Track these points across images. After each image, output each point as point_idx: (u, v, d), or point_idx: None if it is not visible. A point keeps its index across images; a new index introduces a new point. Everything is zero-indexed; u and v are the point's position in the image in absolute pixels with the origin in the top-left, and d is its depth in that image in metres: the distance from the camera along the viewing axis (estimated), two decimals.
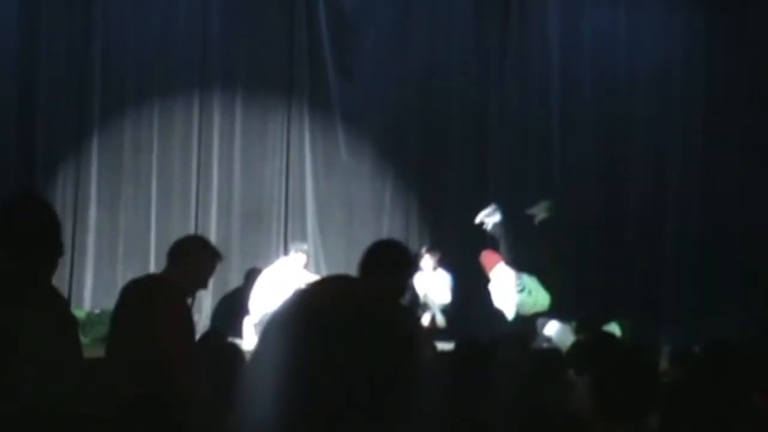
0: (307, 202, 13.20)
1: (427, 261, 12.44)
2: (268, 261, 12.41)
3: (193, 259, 5.95)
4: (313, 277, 11.64)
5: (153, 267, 12.48)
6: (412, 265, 5.10)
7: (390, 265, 4.97)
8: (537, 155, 13.68)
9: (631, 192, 13.87)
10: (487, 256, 12.03)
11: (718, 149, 13.90)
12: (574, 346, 7.10)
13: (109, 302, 11.06)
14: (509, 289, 11.71)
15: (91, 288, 12.32)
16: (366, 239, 12.71)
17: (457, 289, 12.31)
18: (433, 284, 12.37)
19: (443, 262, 12.50)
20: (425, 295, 12.32)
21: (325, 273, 12.29)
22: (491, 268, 11.91)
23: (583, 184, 13.72)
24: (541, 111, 13.74)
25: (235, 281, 12.68)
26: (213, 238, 12.51)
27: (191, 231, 12.42)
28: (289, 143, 13.24)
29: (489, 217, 12.01)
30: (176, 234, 12.42)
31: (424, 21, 13.54)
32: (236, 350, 6.25)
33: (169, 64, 12.93)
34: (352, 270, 12.02)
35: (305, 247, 12.33)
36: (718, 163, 13.89)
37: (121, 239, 12.72)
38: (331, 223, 13.25)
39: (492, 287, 11.80)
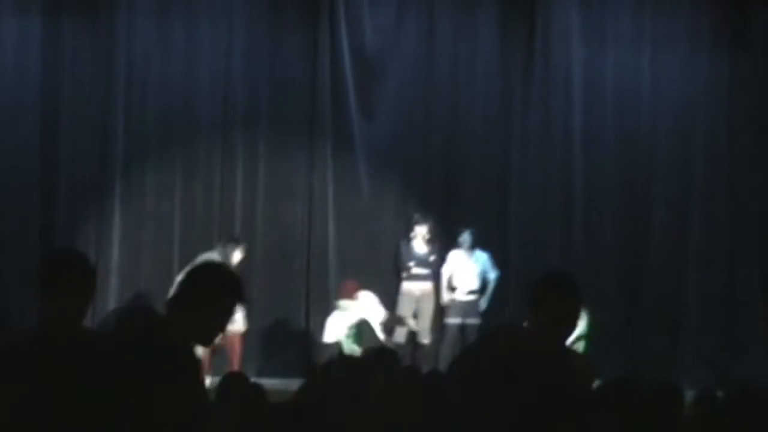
0: (330, 242, 13.31)
1: (465, 238, 12.81)
2: (288, 302, 12.50)
3: None
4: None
5: None
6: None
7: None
8: (559, 197, 13.76)
9: (654, 233, 13.84)
10: (347, 286, 12.29)
11: (741, 191, 13.89)
12: (597, 391, 7.06)
13: None
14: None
15: None
16: (388, 280, 12.94)
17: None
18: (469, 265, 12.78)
19: (480, 242, 12.86)
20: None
21: None
22: (352, 296, 12.21)
23: (604, 227, 13.76)
24: (564, 152, 13.79)
25: (257, 323, 12.73)
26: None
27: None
28: (312, 184, 13.40)
29: None
30: None
31: (448, 61, 13.66)
32: (260, 390, 6.29)
33: (191, 105, 13.16)
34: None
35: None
36: (741, 205, 13.88)
37: (142, 282, 12.85)
38: (353, 263, 13.31)
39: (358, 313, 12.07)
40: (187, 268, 4.19)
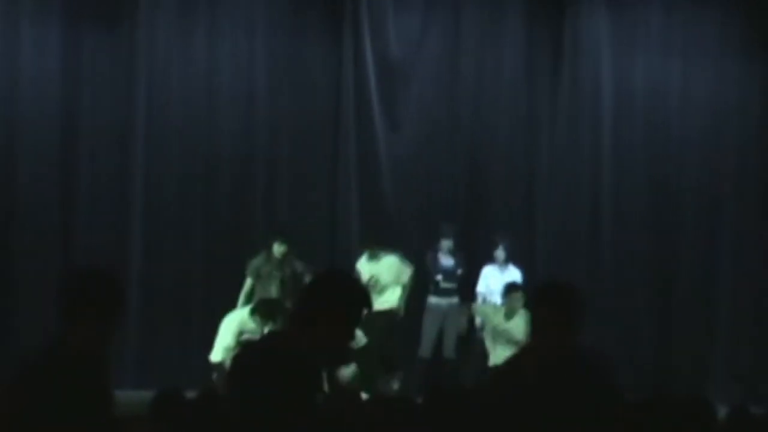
0: (354, 256, 13.08)
1: (500, 253, 12.73)
2: None
3: None
4: None
5: (195, 318, 12.60)
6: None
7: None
8: (587, 208, 13.78)
9: (684, 245, 13.82)
10: None
11: None
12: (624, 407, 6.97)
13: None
14: None
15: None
16: (414, 296, 12.86)
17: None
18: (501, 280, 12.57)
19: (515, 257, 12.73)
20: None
21: None
22: None
23: (634, 238, 13.73)
24: (592, 162, 13.81)
25: None
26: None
27: (235, 284, 12.44)
28: (335, 195, 13.41)
29: None
30: (221, 283, 12.58)
31: (474, 69, 13.66)
32: None
33: (213, 116, 13.19)
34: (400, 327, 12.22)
35: None
36: None
37: (164, 292, 12.89)
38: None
39: None
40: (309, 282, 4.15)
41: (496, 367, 5.22)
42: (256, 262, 12.21)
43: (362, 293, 4.03)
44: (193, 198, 13.16)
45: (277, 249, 12.23)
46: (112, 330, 4.12)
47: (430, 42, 13.65)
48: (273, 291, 12.05)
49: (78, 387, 3.97)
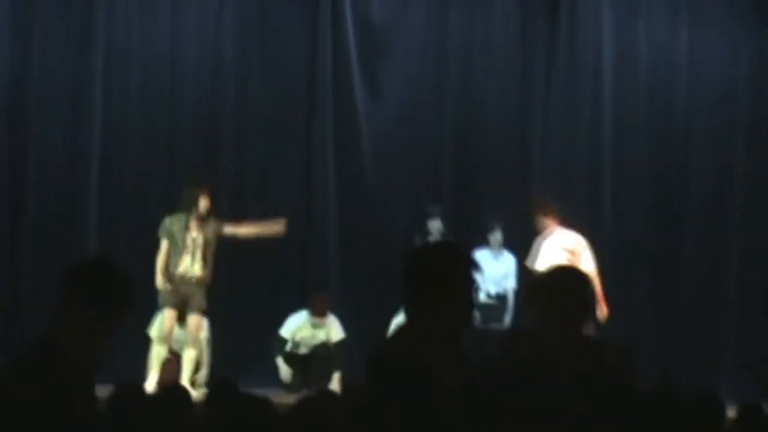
0: (330, 237, 13.05)
1: (497, 237, 12.47)
2: (280, 303, 12.22)
3: None
4: None
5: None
6: None
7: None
8: (586, 187, 13.63)
9: (691, 228, 13.70)
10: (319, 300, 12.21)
11: None
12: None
13: None
14: None
15: None
16: (397, 279, 12.52)
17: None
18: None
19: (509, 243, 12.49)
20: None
21: (348, 317, 12.11)
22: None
23: (636, 220, 13.61)
24: (591, 138, 13.66)
25: (243, 325, 12.48)
26: (224, 277, 12.24)
27: None
28: (311, 170, 13.17)
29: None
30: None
31: (462, 34, 13.50)
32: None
33: (177, 85, 12.97)
34: (381, 314, 12.02)
35: None
36: None
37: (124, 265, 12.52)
38: (357, 260, 13.08)
39: None
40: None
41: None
42: (170, 219, 11.28)
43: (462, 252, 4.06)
44: (154, 167, 12.88)
45: (203, 204, 11.19)
46: (109, 331, 3.98)
47: (416, 3, 13.49)
48: (186, 258, 11.20)
49: (63, 390, 3.84)
